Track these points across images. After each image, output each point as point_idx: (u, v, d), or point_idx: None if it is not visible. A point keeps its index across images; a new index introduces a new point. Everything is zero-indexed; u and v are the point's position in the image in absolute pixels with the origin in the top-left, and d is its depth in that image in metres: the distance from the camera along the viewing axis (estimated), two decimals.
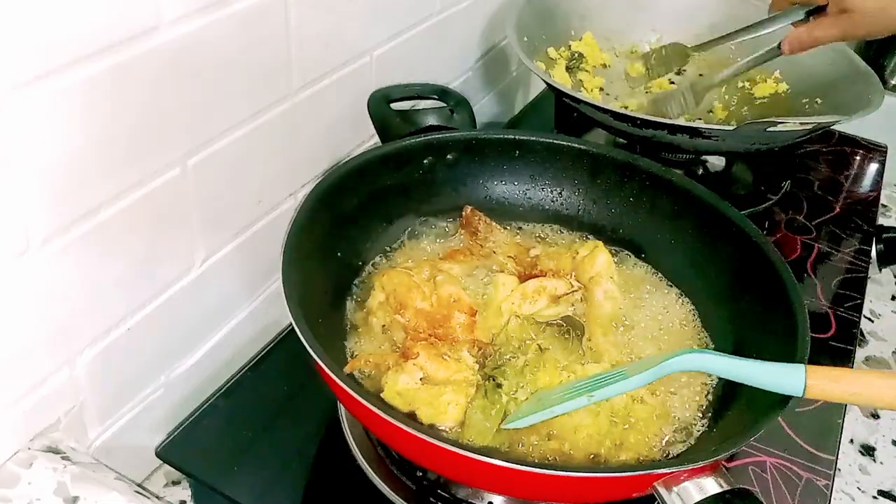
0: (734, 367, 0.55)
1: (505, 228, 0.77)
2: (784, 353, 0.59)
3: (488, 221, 0.76)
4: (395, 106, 0.80)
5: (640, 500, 0.53)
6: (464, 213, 0.77)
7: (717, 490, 0.49)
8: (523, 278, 0.70)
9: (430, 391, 0.60)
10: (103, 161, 0.56)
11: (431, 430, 0.59)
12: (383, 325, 0.66)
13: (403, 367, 0.61)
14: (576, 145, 0.80)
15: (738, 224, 0.71)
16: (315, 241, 0.66)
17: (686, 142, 0.90)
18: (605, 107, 0.91)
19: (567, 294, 0.69)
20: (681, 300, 0.73)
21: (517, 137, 0.80)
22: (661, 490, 0.50)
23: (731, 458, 0.70)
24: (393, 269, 0.70)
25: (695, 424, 0.62)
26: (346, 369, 0.62)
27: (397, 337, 0.65)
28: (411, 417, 0.60)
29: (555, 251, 0.75)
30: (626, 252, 0.78)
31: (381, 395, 0.60)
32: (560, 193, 0.81)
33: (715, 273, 0.72)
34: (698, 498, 0.49)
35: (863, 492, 0.77)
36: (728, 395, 0.63)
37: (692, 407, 0.64)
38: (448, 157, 0.78)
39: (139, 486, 0.58)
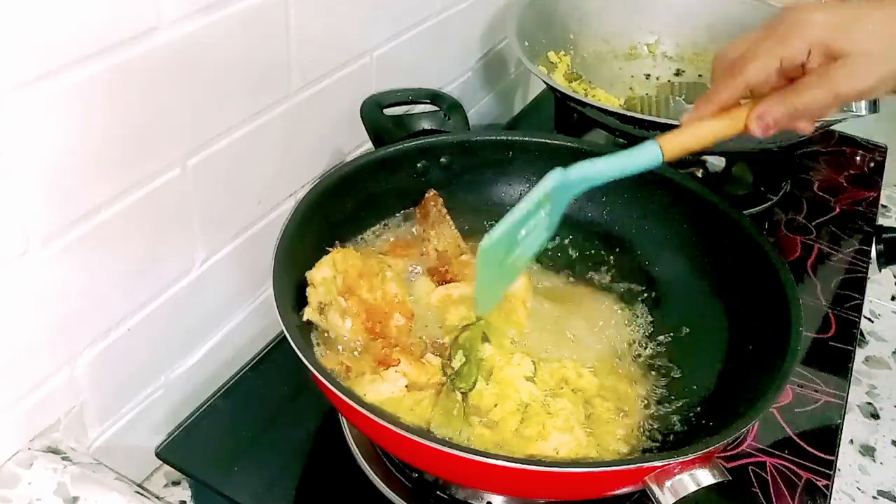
0: (599, 169, 0.61)
1: (453, 227, 0.76)
2: (778, 344, 0.59)
3: (443, 212, 0.76)
4: (388, 111, 0.80)
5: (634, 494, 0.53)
6: (425, 196, 0.76)
7: (711, 481, 0.49)
8: (432, 273, 0.71)
9: (413, 397, 0.60)
10: (103, 161, 0.56)
11: (431, 434, 0.58)
12: (320, 302, 0.64)
13: (383, 375, 0.60)
14: (569, 144, 0.80)
15: (731, 217, 0.71)
16: (310, 245, 0.67)
17: None
18: (612, 109, 0.91)
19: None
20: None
21: (510, 139, 0.80)
22: (653, 485, 0.50)
23: (731, 459, 0.70)
24: (349, 250, 0.68)
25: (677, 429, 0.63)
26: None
27: (331, 318, 0.63)
28: None
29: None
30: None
31: None
32: None
33: (709, 267, 0.72)
34: (692, 489, 0.49)
35: (863, 492, 0.77)
36: (723, 388, 0.63)
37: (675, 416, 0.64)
38: (442, 160, 0.78)
39: (139, 486, 0.58)
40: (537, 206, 0.60)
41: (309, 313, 0.64)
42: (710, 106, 0.58)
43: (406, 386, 0.60)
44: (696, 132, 0.59)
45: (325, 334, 0.64)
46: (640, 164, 0.59)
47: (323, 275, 0.65)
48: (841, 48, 0.53)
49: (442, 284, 0.70)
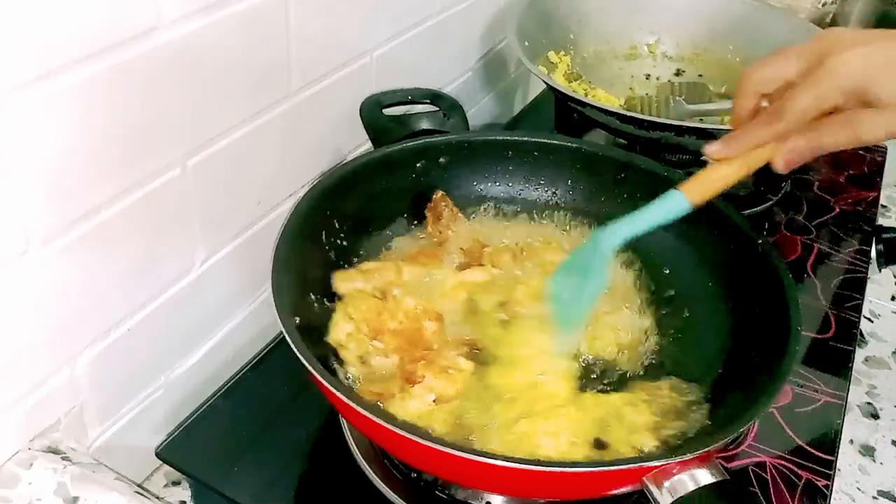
0: (634, 226, 0.62)
1: (468, 219, 0.77)
2: (777, 344, 0.59)
3: (454, 210, 0.76)
4: (387, 111, 0.80)
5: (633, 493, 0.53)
6: (433, 197, 0.76)
7: (710, 481, 0.49)
8: (461, 268, 0.72)
9: (444, 410, 0.60)
10: (103, 161, 0.56)
11: (427, 434, 0.58)
12: (359, 356, 0.63)
13: (410, 392, 0.60)
14: (568, 144, 0.80)
15: (730, 217, 0.71)
16: (308, 246, 0.67)
17: (693, 143, 0.90)
18: (612, 109, 0.91)
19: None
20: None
21: (508, 139, 0.80)
22: (651, 485, 0.49)
23: (731, 459, 0.70)
24: (358, 295, 0.67)
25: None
26: None
27: (377, 363, 0.63)
28: None
29: (503, 248, 0.75)
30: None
31: None
32: (555, 193, 0.81)
33: (709, 267, 0.72)
34: (691, 489, 0.49)
35: (863, 492, 0.77)
36: (722, 389, 0.63)
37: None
38: (441, 160, 0.78)
39: (139, 486, 0.58)
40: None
41: (354, 371, 0.63)
42: (741, 147, 0.57)
43: (434, 400, 0.60)
44: (721, 178, 0.59)
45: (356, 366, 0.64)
46: (667, 216, 0.61)
47: (346, 332, 0.64)
48: (875, 97, 0.52)
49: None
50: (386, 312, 0.65)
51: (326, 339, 0.64)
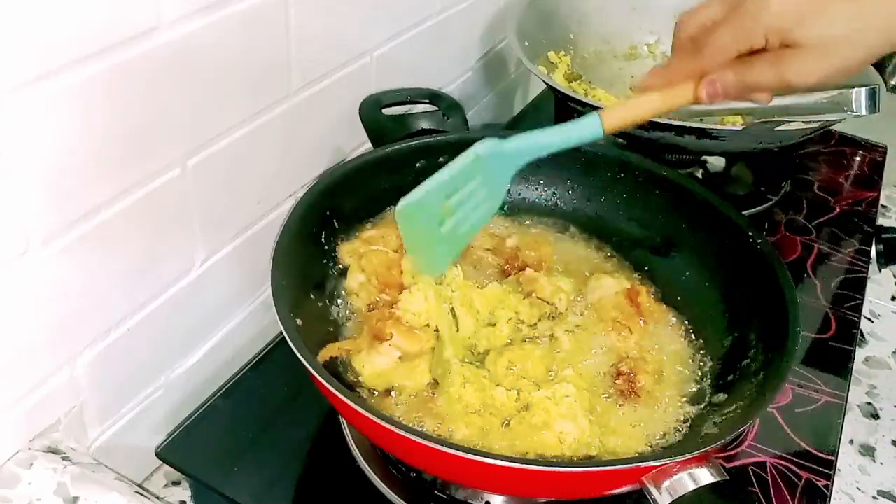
0: (537, 140, 0.60)
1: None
2: (776, 345, 0.60)
3: None
4: (387, 111, 0.80)
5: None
6: None
7: (710, 480, 0.49)
8: (506, 273, 0.73)
9: (407, 367, 0.63)
10: (103, 161, 0.56)
11: (426, 434, 0.58)
12: (369, 304, 0.68)
13: (378, 349, 0.63)
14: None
15: (729, 217, 0.71)
16: (308, 245, 0.67)
17: (693, 143, 0.90)
18: None
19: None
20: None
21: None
22: (650, 485, 0.50)
23: (731, 459, 0.70)
24: (371, 251, 0.70)
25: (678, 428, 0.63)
26: (319, 359, 0.62)
27: (384, 314, 0.66)
28: (388, 393, 0.62)
29: (533, 239, 0.76)
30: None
31: (360, 378, 0.62)
32: (554, 193, 0.81)
33: (708, 267, 0.73)
34: (691, 488, 0.49)
35: (862, 492, 0.77)
36: (721, 388, 0.64)
37: (673, 411, 0.64)
38: (440, 159, 0.77)
39: (139, 486, 0.58)
40: (464, 175, 0.60)
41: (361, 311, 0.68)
42: (662, 80, 0.59)
43: (399, 357, 0.63)
44: (639, 106, 0.59)
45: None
46: (579, 136, 0.59)
47: (358, 281, 0.69)
48: (795, 39, 0.52)
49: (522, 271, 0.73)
50: (396, 267, 0.68)
51: (342, 287, 0.69)
